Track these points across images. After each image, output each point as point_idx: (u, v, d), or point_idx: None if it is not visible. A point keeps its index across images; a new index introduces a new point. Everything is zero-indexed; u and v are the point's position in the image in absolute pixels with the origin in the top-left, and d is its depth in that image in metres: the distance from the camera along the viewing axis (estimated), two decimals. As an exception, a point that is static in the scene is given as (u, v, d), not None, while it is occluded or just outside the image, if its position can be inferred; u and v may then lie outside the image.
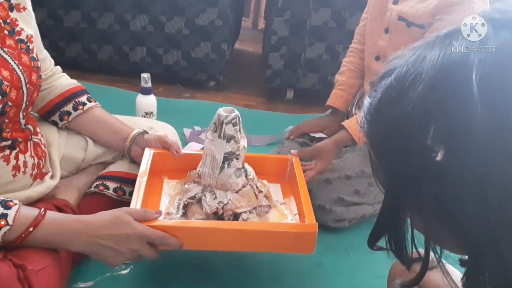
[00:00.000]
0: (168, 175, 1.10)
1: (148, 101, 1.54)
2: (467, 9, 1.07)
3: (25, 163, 0.93)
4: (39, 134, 1.02)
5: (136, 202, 0.91)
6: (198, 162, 1.02)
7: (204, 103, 2.03)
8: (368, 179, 1.27)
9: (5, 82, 0.83)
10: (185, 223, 0.92)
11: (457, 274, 0.64)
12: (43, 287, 0.77)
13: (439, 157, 0.41)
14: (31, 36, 0.94)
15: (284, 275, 1.09)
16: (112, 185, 1.09)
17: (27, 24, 0.95)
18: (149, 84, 1.52)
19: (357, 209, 1.27)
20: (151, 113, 1.57)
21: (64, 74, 1.15)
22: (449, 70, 0.42)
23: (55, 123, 1.11)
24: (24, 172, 0.93)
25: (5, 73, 0.84)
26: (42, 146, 1.01)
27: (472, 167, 0.40)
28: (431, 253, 0.48)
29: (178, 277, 1.04)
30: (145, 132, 1.12)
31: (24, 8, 0.94)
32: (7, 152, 0.89)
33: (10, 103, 0.85)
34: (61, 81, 1.11)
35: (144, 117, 1.54)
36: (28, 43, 0.92)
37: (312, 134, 1.45)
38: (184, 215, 0.98)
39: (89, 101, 1.12)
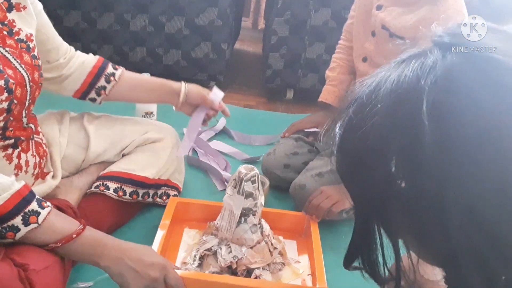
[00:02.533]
0: (189, 225, 1.14)
1: (149, 101, 1.54)
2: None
3: (27, 162, 0.93)
4: (40, 134, 1.02)
5: (156, 249, 0.95)
6: (219, 214, 1.05)
7: (204, 103, 2.03)
8: None
9: (11, 80, 0.83)
10: (199, 275, 0.94)
11: None
12: None
13: (403, 184, 0.42)
14: (31, 35, 0.94)
15: (284, 274, 1.09)
16: (112, 185, 1.09)
17: (27, 23, 0.94)
18: (150, 84, 1.52)
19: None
20: (151, 113, 1.57)
21: (78, 52, 1.17)
22: (401, 98, 0.42)
23: (93, 100, 1.15)
24: (26, 171, 0.94)
25: (9, 72, 0.85)
26: (44, 146, 1.02)
27: (429, 194, 0.40)
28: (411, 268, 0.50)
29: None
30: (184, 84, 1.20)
31: (24, 7, 0.93)
32: (9, 151, 0.90)
33: (15, 101, 0.86)
34: (83, 63, 1.14)
35: (144, 117, 1.54)
36: (28, 42, 0.92)
37: (306, 130, 1.46)
38: (200, 266, 1.01)
39: (115, 68, 1.17)
